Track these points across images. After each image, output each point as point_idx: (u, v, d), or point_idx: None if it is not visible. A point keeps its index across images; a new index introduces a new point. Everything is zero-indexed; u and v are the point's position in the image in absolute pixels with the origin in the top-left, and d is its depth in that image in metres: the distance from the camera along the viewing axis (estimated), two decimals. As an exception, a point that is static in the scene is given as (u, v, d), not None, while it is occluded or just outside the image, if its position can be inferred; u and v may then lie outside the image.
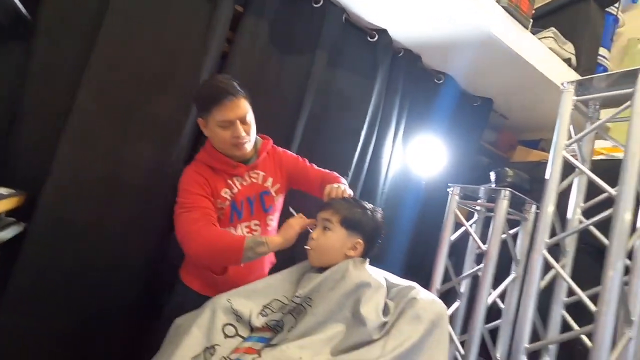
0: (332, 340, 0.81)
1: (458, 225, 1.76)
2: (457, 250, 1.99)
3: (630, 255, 1.25)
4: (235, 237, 1.05)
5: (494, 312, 1.68)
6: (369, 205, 1.03)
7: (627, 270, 1.23)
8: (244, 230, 1.20)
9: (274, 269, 1.19)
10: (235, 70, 1.59)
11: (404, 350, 0.77)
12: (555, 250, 1.45)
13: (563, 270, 1.41)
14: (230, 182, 1.18)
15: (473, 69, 2.03)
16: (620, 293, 1.15)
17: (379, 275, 0.95)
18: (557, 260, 1.42)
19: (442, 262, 1.69)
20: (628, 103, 1.28)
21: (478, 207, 1.80)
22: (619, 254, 1.16)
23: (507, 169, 1.64)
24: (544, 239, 1.40)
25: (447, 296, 1.78)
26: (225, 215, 1.17)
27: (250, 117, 1.15)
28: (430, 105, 2.11)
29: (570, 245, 1.48)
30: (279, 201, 1.28)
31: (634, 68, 1.28)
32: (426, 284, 1.80)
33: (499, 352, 1.54)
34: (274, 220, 1.27)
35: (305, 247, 1.00)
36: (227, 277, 1.14)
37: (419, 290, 0.90)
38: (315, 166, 1.36)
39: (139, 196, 1.42)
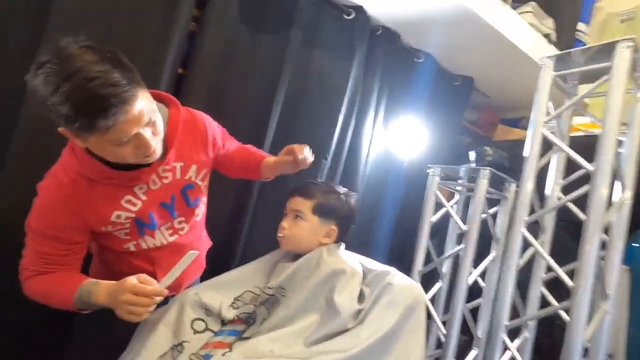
0: (305, 331, 0.78)
1: (439, 206, 1.74)
2: (440, 231, 1.99)
3: (606, 230, 1.26)
4: (64, 294, 0.78)
5: (475, 291, 1.70)
6: (342, 190, 0.99)
7: (603, 246, 1.24)
8: (165, 234, 0.96)
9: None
10: (203, 50, 1.50)
11: (380, 337, 0.75)
12: (535, 227, 1.45)
13: (542, 247, 1.42)
14: (127, 198, 0.85)
15: (453, 47, 1.98)
16: (597, 268, 1.16)
17: (354, 261, 0.92)
18: (536, 238, 1.42)
19: (423, 243, 1.69)
20: (605, 77, 1.26)
21: (459, 188, 1.78)
22: (595, 229, 1.16)
23: (486, 147, 1.62)
24: (523, 216, 1.39)
25: (430, 277, 1.79)
26: (130, 234, 0.90)
27: (154, 112, 0.76)
28: (410, 84, 2.06)
29: (548, 222, 1.48)
30: (205, 185, 1.02)
31: (610, 41, 1.25)
32: (409, 266, 1.80)
33: (480, 330, 1.56)
34: (202, 207, 1.04)
35: (278, 234, 0.96)
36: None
37: (394, 275, 0.87)
38: (233, 141, 1.12)
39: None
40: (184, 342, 0.79)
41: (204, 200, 1.04)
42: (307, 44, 1.73)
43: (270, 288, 0.85)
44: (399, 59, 2.01)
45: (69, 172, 0.80)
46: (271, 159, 1.01)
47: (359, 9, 1.79)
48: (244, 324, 0.85)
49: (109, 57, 0.69)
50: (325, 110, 1.79)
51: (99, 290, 0.74)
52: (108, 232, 0.87)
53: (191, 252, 0.76)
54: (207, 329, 0.82)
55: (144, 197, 0.87)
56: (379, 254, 2.06)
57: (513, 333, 1.40)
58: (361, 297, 0.83)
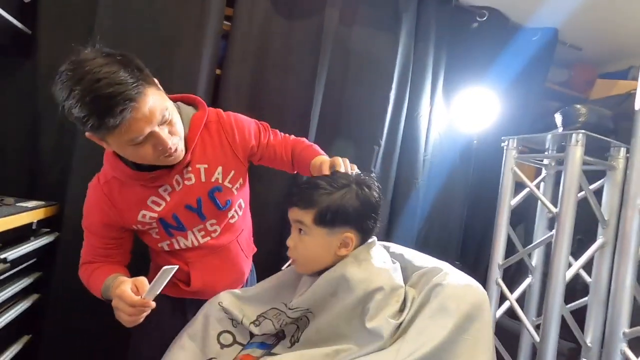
0: (338, 354, 0.65)
1: (521, 186, 1.44)
2: (525, 216, 1.67)
3: None
4: (96, 286, 0.84)
5: (580, 288, 1.37)
6: (351, 177, 0.76)
7: None
8: (198, 235, 0.93)
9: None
10: (239, 47, 1.47)
11: (424, 354, 0.57)
12: (658, 203, 1.09)
13: (673, 228, 1.06)
14: (152, 199, 0.86)
15: (524, -6, 1.64)
16: None
17: (392, 266, 0.74)
18: (663, 217, 1.07)
19: (503, 231, 1.41)
20: None
21: (546, 161, 1.46)
22: None
23: (577, 105, 1.28)
24: (639, 191, 1.05)
25: (517, 273, 1.50)
26: (160, 234, 0.91)
27: (170, 109, 0.76)
28: (473, 50, 1.78)
29: (681, 194, 1.10)
30: (239, 187, 0.96)
31: None
32: (488, 262, 1.54)
33: (589, 338, 1.23)
34: (239, 210, 0.99)
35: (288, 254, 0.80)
36: (191, 287, 0.96)
37: (447, 273, 0.67)
38: (279, 134, 1.04)
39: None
40: (211, 358, 0.73)
41: (239, 203, 0.99)
42: (345, 22, 1.59)
43: (297, 309, 0.72)
44: (457, 21, 1.76)
45: (105, 175, 0.87)
46: (317, 161, 0.85)
47: (401, -30, 1.58)
48: (274, 337, 0.75)
49: (118, 60, 0.70)
50: (374, 91, 1.62)
51: (113, 287, 0.76)
52: (143, 231, 0.91)
53: (167, 267, 0.70)
54: (235, 342, 0.75)
55: (167, 198, 0.87)
56: (450, 253, 1.81)
57: (636, 343, 1.06)
58: (403, 304, 0.67)
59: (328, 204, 0.72)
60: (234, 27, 1.48)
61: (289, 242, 0.77)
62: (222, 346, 0.75)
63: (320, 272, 0.74)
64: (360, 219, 0.74)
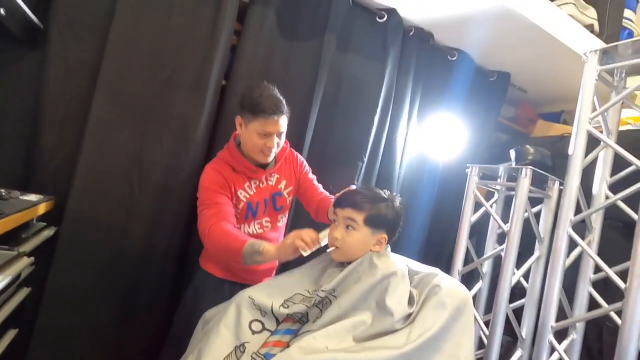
0: (356, 328, 0.83)
1: (478, 205, 1.73)
2: (478, 230, 1.97)
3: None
4: (237, 242, 1.03)
5: (517, 292, 1.67)
6: (388, 195, 1.01)
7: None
8: (255, 227, 1.27)
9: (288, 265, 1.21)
10: (245, 61, 1.58)
11: (429, 337, 0.78)
12: (580, 227, 1.41)
13: (589, 247, 1.38)
14: (248, 184, 1.24)
15: (488, 43, 1.95)
16: (651, 268, 1.12)
17: (402, 263, 0.95)
18: (583, 238, 1.39)
19: (463, 243, 1.68)
20: (657, 70, 1.21)
21: (498, 187, 1.76)
22: (649, 229, 1.13)
23: (527, 146, 1.59)
24: (569, 216, 1.36)
25: (470, 277, 1.78)
26: (241, 214, 1.23)
27: (284, 133, 1.22)
28: (444, 83, 2.05)
29: (596, 221, 1.44)
30: (290, 200, 1.35)
31: (663, 32, 1.20)
32: (447, 266, 1.80)
33: (524, 331, 1.54)
34: (284, 216, 1.36)
35: (328, 249, 0.98)
36: (240, 267, 1.22)
37: (442, 277, 0.90)
38: (320, 187, 1.38)
39: (160, 194, 1.45)
40: (245, 343, 0.85)
41: (286, 213, 1.36)
42: (341, 49, 1.77)
43: (322, 291, 0.89)
44: (433, 58, 2.01)
45: (220, 162, 1.24)
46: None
47: (391, 12, 1.80)
48: (298, 323, 0.90)
49: (280, 94, 1.20)
50: (361, 113, 1.82)
51: (267, 248, 0.98)
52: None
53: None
54: (264, 329, 0.88)
55: (255, 189, 1.26)
56: (415, 257, 2.04)
57: (560, 334, 1.37)
58: (410, 300, 0.86)
59: (377, 211, 0.95)
60: (242, 42, 1.59)
61: (337, 234, 0.97)
62: (253, 332, 0.88)
63: (347, 264, 0.94)
64: (394, 226, 0.99)
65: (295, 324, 0.90)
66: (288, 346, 0.82)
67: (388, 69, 1.85)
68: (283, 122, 1.18)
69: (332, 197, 1.26)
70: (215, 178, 1.19)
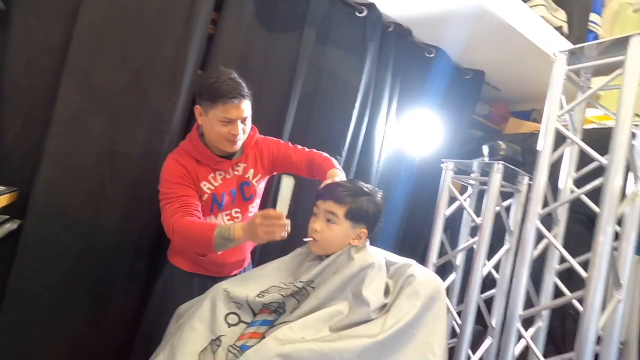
0: (332, 318, 0.83)
1: (452, 199, 1.78)
2: (452, 224, 2.02)
3: (619, 222, 1.28)
4: (205, 229, 0.99)
5: (488, 283, 1.74)
6: (370, 188, 1.00)
7: (616, 236, 1.27)
8: (224, 219, 1.22)
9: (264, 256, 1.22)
10: (222, 51, 1.55)
11: (403, 325, 0.79)
12: (548, 220, 1.48)
13: (555, 239, 1.45)
14: (212, 175, 1.18)
15: (464, 41, 1.99)
16: (610, 258, 1.19)
17: (379, 255, 0.96)
18: (550, 230, 1.45)
19: (437, 236, 1.72)
20: (619, 71, 1.28)
21: (472, 181, 1.81)
22: (609, 221, 1.19)
23: (500, 142, 1.64)
24: (536, 209, 1.42)
25: (444, 269, 1.83)
26: (205, 206, 1.17)
27: (249, 118, 1.16)
28: (422, 80, 2.09)
29: (562, 214, 1.51)
30: (260, 188, 1.31)
31: (624, 35, 1.26)
32: (422, 259, 1.84)
33: (494, 320, 1.60)
34: (254, 206, 1.30)
35: (306, 239, 0.99)
36: (208, 257, 1.21)
37: (416, 267, 0.91)
38: (299, 147, 1.32)
39: (132, 186, 1.40)
40: (221, 336, 0.84)
41: (256, 202, 1.30)
42: (320, 42, 1.76)
43: (301, 282, 0.89)
44: (411, 54, 2.03)
45: (182, 152, 1.18)
46: (333, 173, 1.12)
47: (370, 6, 1.81)
48: (274, 314, 0.90)
49: (239, 77, 1.13)
50: (339, 107, 1.82)
51: (236, 227, 0.96)
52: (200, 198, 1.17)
53: (286, 177, 1.03)
54: (240, 321, 0.87)
55: (220, 180, 1.20)
56: (391, 249, 2.08)
57: (527, 323, 1.43)
58: (386, 290, 0.88)
59: (358, 205, 0.95)
60: (219, 31, 1.55)
61: (316, 226, 0.97)
62: (229, 325, 0.87)
63: (325, 257, 0.95)
64: (374, 220, 0.98)
65: (271, 315, 0.90)
66: (264, 337, 0.82)
67: (367, 64, 1.86)
68: (245, 106, 1.11)
69: (320, 162, 1.25)
70: (176, 169, 1.13)
